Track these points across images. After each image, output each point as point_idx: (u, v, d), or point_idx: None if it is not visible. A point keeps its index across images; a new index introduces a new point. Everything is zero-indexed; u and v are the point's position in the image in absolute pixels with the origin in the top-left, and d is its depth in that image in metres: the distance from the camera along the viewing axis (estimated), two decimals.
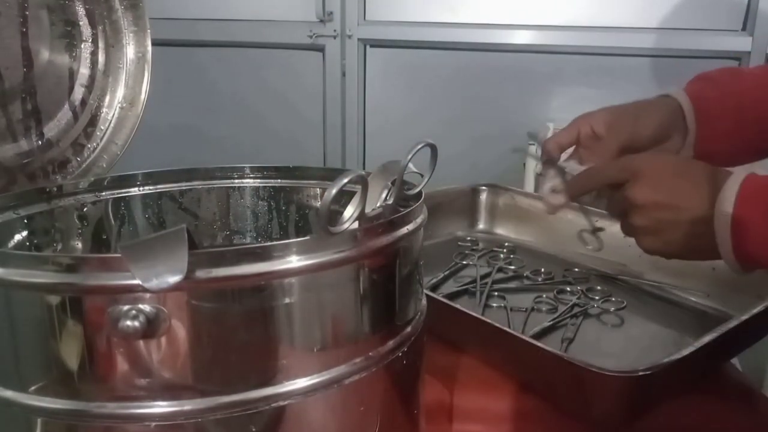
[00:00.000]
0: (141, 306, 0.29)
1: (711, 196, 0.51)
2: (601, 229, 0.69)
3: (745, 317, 0.55)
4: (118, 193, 0.52)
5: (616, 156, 0.62)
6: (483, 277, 0.74)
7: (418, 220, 0.40)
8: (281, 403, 0.33)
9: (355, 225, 0.35)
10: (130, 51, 0.64)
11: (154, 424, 0.31)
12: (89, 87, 0.62)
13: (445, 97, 1.80)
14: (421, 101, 1.82)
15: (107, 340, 0.30)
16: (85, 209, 0.50)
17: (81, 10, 0.61)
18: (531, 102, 1.72)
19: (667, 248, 0.55)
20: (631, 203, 0.54)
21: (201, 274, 0.30)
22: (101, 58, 0.63)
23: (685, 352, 0.48)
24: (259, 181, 0.55)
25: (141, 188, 0.52)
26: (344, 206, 0.38)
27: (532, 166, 1.35)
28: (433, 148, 0.40)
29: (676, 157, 0.62)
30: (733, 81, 0.67)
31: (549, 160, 0.65)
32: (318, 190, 0.54)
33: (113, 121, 0.64)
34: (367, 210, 0.39)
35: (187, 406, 0.31)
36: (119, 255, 0.28)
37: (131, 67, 0.65)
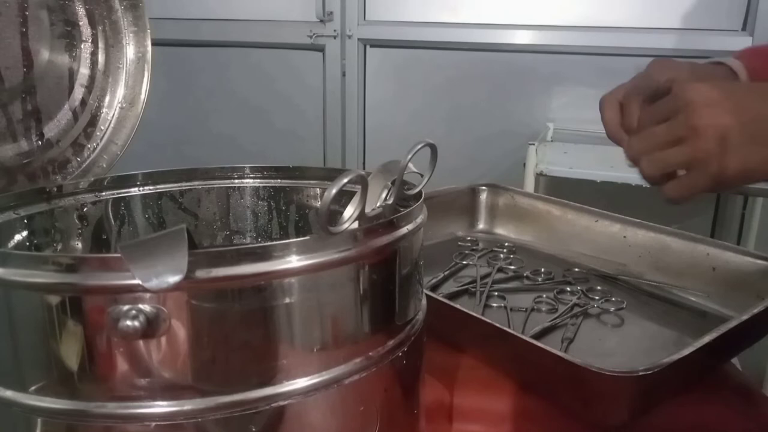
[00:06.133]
0: (141, 306, 0.29)
1: None
2: None
3: (745, 317, 0.55)
4: (118, 193, 0.52)
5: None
6: (483, 277, 0.74)
7: (418, 220, 0.40)
8: (281, 403, 0.33)
9: (355, 225, 0.35)
10: (130, 51, 0.64)
11: (154, 424, 0.31)
12: (89, 87, 0.62)
13: (445, 97, 1.80)
14: (421, 101, 1.83)
15: (107, 340, 0.30)
16: (85, 209, 0.50)
17: (81, 10, 0.61)
18: (531, 102, 1.72)
19: (742, 175, 0.50)
20: (691, 128, 0.49)
21: (201, 274, 0.30)
22: (101, 58, 0.63)
23: (685, 352, 0.48)
24: (259, 181, 0.55)
25: (141, 188, 0.52)
26: (344, 206, 0.38)
27: (532, 166, 1.35)
28: (433, 148, 0.40)
29: (722, 81, 0.57)
30: None
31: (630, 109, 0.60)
32: (318, 190, 0.54)
33: (113, 121, 0.64)
34: (367, 210, 0.39)
35: (187, 406, 0.31)
36: (119, 255, 0.28)
37: (131, 67, 0.65)
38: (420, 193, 0.42)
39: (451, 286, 0.73)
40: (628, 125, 0.58)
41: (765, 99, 0.50)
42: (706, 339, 0.50)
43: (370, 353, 0.36)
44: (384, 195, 0.42)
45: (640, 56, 1.59)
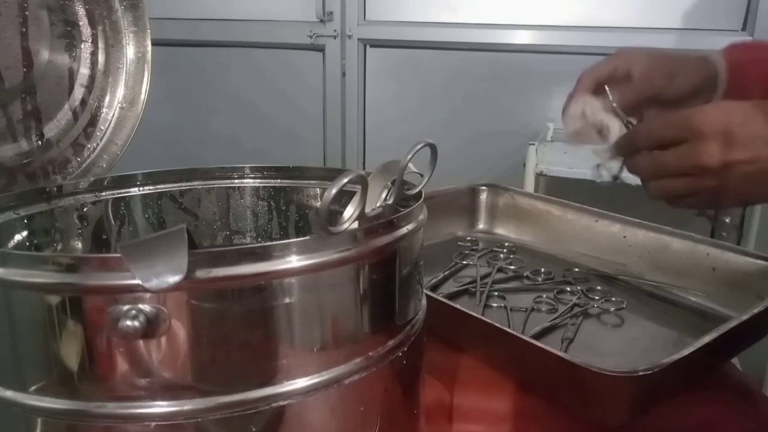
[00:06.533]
0: (141, 306, 0.29)
1: None
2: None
3: (745, 317, 0.55)
4: (118, 193, 0.52)
5: (641, 104, 0.61)
6: (483, 277, 0.74)
7: (418, 220, 0.40)
8: (281, 403, 0.33)
9: (355, 225, 0.35)
10: (130, 51, 0.64)
11: (154, 424, 0.31)
12: (89, 87, 0.62)
13: (445, 97, 1.80)
14: (421, 101, 1.83)
15: (107, 340, 0.30)
16: (85, 209, 0.50)
17: (81, 10, 0.61)
18: (531, 102, 1.72)
19: (744, 200, 0.53)
20: (702, 167, 0.50)
21: (201, 274, 0.30)
22: (101, 58, 0.63)
23: (685, 352, 0.48)
24: (259, 181, 0.55)
25: (141, 188, 0.52)
26: (344, 206, 0.38)
27: (532, 166, 1.35)
28: (433, 148, 0.40)
29: (733, 103, 0.55)
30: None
31: (582, 89, 0.64)
32: (318, 190, 0.54)
33: (113, 121, 0.64)
34: (367, 210, 0.39)
35: (187, 406, 0.31)
36: (119, 255, 0.28)
37: (131, 67, 0.65)
38: (420, 193, 0.42)
39: (451, 286, 0.73)
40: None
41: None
42: (706, 339, 0.50)
43: (370, 353, 0.36)
44: (384, 195, 0.42)
45: None
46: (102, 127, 0.63)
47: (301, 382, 0.33)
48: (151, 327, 0.30)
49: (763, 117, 0.50)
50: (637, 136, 0.57)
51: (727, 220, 0.64)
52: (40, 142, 0.58)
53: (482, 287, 0.71)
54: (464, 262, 0.79)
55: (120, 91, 0.64)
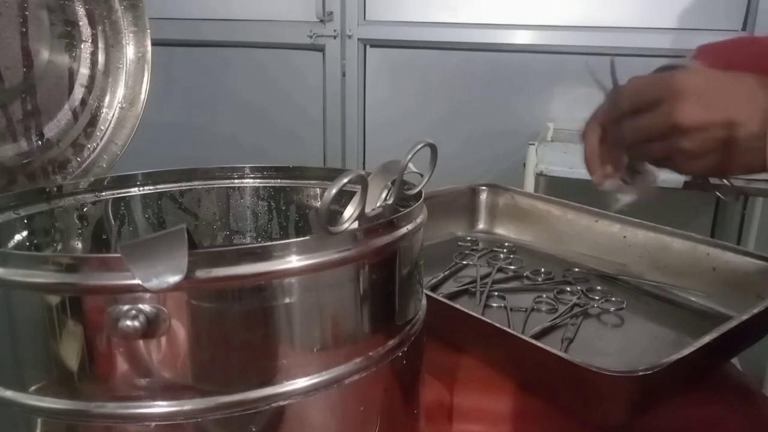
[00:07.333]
0: (141, 306, 0.29)
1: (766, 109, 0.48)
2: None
3: (745, 317, 0.55)
4: (118, 193, 0.52)
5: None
6: (483, 277, 0.74)
7: (418, 220, 0.40)
8: (281, 403, 0.33)
9: (355, 225, 0.35)
10: (130, 51, 0.64)
11: (154, 424, 0.31)
12: (89, 87, 0.62)
13: (445, 97, 1.80)
14: (421, 101, 1.83)
15: (107, 340, 0.30)
16: (85, 209, 0.50)
17: (81, 10, 0.61)
18: (531, 102, 1.72)
19: (714, 168, 0.51)
20: (676, 126, 0.50)
21: (201, 274, 0.30)
22: (101, 58, 0.63)
23: (685, 352, 0.48)
24: (259, 181, 0.55)
25: (141, 188, 0.52)
26: (344, 206, 0.38)
27: (532, 166, 1.35)
28: (433, 148, 0.40)
29: (716, 71, 0.54)
30: (732, 49, 0.66)
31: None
32: (318, 190, 0.54)
33: (113, 121, 0.64)
34: (367, 210, 0.39)
35: (187, 406, 0.31)
36: (119, 255, 0.28)
37: (131, 67, 0.65)
38: (420, 193, 0.42)
39: (451, 286, 0.73)
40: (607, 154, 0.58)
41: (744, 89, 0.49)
42: (706, 339, 0.50)
43: (370, 353, 0.36)
44: (384, 195, 0.42)
45: (640, 56, 1.59)
46: (102, 127, 0.63)
47: (301, 382, 0.33)
48: (151, 327, 0.30)
49: (739, 83, 0.50)
50: (619, 98, 0.56)
51: (728, 183, 0.62)
52: (40, 142, 0.58)
53: (482, 287, 0.71)
54: (464, 262, 0.79)
55: (120, 91, 0.64)
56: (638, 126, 0.53)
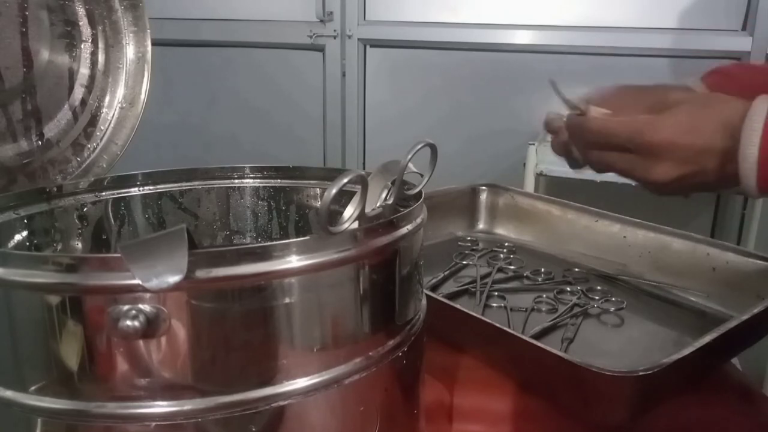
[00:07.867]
0: (141, 306, 0.29)
1: (728, 138, 0.48)
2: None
3: (745, 317, 0.55)
4: (118, 193, 0.52)
5: None
6: (483, 277, 0.74)
7: (418, 220, 0.40)
8: (281, 403, 0.33)
9: (355, 225, 0.35)
10: (130, 51, 0.64)
11: (154, 424, 0.31)
12: (89, 87, 0.62)
13: (445, 97, 1.80)
14: (421, 101, 1.83)
15: (107, 340, 0.30)
16: (85, 209, 0.50)
17: (81, 10, 0.61)
18: (531, 102, 1.72)
19: (688, 194, 0.54)
20: (647, 182, 0.52)
21: (201, 274, 0.30)
22: (101, 58, 0.63)
23: (685, 352, 0.48)
24: (259, 181, 0.55)
25: (141, 188, 0.52)
26: (344, 206, 0.38)
27: (532, 166, 1.35)
28: (433, 148, 0.40)
29: (686, 112, 0.53)
30: (749, 75, 0.66)
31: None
32: (318, 190, 0.54)
33: (113, 121, 0.64)
34: (367, 210, 0.39)
35: (187, 406, 0.31)
36: (119, 255, 0.28)
37: (131, 67, 0.65)
38: (420, 193, 0.42)
39: (451, 286, 0.73)
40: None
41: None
42: (706, 339, 0.50)
43: (370, 353, 0.36)
44: (384, 195, 0.42)
45: (640, 56, 1.59)
46: (102, 127, 0.63)
47: (301, 382, 0.33)
48: (151, 327, 0.30)
49: (713, 126, 0.50)
50: (587, 132, 0.56)
51: None
52: (40, 142, 0.58)
53: (482, 287, 0.71)
54: (464, 262, 0.79)
55: (120, 91, 0.64)
56: (605, 161, 0.55)
